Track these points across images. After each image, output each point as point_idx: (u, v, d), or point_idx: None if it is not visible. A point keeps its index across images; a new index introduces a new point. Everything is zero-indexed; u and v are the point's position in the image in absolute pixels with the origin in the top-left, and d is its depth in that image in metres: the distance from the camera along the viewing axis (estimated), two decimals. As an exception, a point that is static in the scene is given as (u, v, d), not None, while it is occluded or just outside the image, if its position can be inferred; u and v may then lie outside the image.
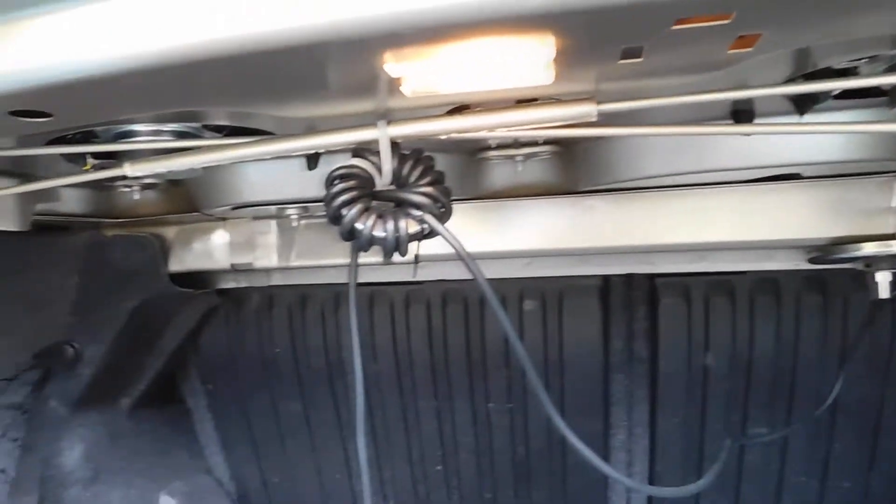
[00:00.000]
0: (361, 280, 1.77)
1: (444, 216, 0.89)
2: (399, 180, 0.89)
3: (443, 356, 1.82)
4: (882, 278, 1.35)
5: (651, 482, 1.82)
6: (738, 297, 1.61)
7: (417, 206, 0.87)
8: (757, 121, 1.12)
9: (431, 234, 0.90)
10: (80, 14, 0.66)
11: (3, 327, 1.68)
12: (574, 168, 1.34)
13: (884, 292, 1.35)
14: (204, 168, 1.19)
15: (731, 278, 1.61)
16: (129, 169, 0.92)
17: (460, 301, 1.76)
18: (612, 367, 1.76)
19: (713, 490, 1.77)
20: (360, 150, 0.88)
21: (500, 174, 1.36)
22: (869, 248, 1.30)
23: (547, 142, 1.24)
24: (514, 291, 1.72)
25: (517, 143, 1.24)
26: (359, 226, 0.85)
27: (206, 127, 1.00)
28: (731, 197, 1.34)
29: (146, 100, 0.82)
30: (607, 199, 1.37)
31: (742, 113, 1.10)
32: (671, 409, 1.74)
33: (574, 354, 1.73)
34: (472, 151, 1.29)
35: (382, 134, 0.82)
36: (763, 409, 1.67)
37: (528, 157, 1.28)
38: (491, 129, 0.83)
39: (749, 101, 1.07)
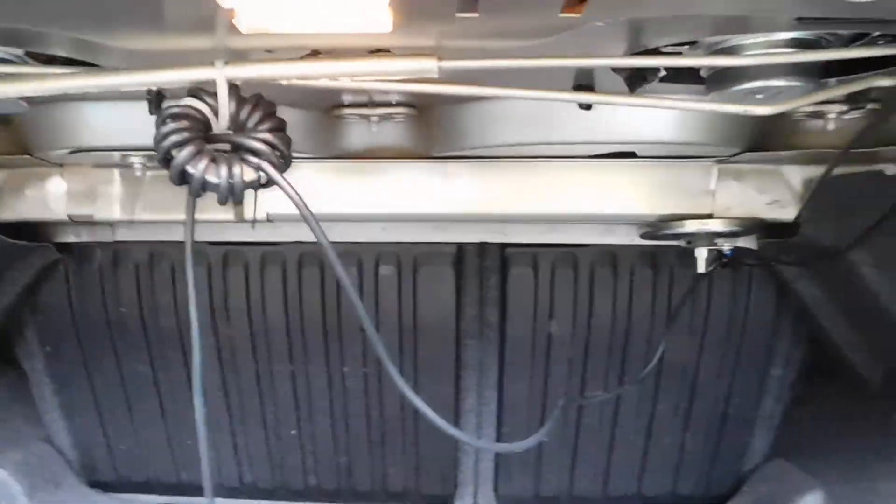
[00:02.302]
0: (215, 239, 1.73)
1: (283, 165, 0.89)
2: (237, 125, 0.87)
3: (298, 320, 1.81)
4: (700, 254, 1.48)
5: (499, 442, 1.92)
6: (581, 267, 1.71)
7: (254, 153, 0.85)
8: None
9: (269, 183, 0.89)
10: None
11: None
12: (429, 133, 1.36)
13: (701, 267, 1.48)
14: (35, 105, 1.10)
15: (575, 251, 1.71)
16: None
17: (317, 264, 1.75)
18: (464, 333, 1.82)
19: (555, 448, 1.89)
20: (198, 90, 0.85)
21: (355, 134, 1.36)
22: (690, 226, 1.43)
23: (401, 103, 1.25)
24: (371, 256, 1.73)
25: (372, 103, 1.24)
26: (190, 169, 0.82)
27: (31, 56, 0.93)
28: (576, 172, 1.42)
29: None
30: (462, 167, 1.41)
31: (584, 87, 1.17)
32: (518, 373, 1.84)
33: (428, 320, 1.78)
34: (327, 108, 1.28)
35: (219, 74, 0.80)
36: (600, 373, 1.80)
37: (383, 118, 1.28)
38: (331, 77, 0.83)
39: (589, 75, 1.13)
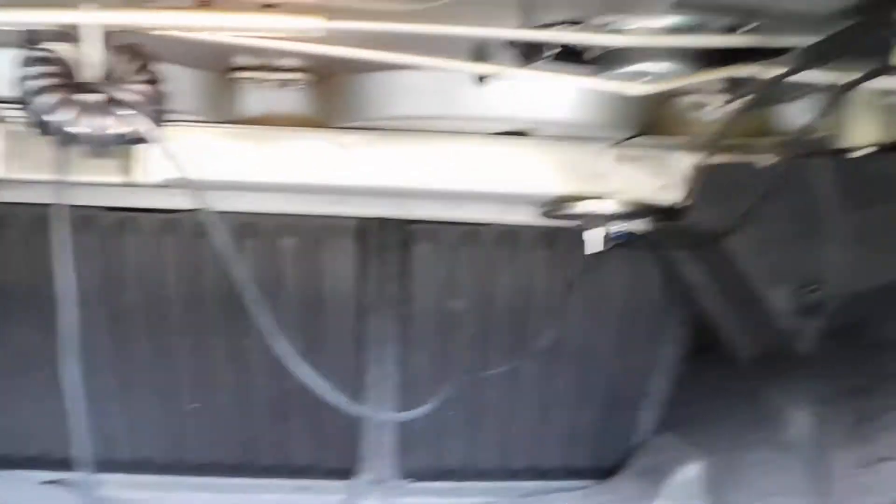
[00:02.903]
0: (109, 204, 1.67)
1: (158, 120, 0.86)
2: (110, 75, 0.84)
3: (199, 290, 1.77)
4: (594, 234, 1.53)
5: None
6: (483, 245, 1.74)
7: (128, 105, 0.83)
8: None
9: (144, 138, 0.86)
10: None
11: None
12: (329, 102, 1.35)
13: (595, 247, 1.54)
14: None
15: (478, 228, 1.73)
16: None
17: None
18: (366, 308, 1.82)
19: (457, 421, 1.92)
20: (67, 35, 0.82)
21: (251, 99, 1.34)
22: (585, 206, 1.47)
23: (298, 69, 1.24)
24: (271, 227, 1.71)
25: (268, 67, 1.23)
26: (56, 118, 0.79)
27: None
28: (475, 147, 1.44)
29: None
30: (362, 137, 1.40)
31: (480, 61, 1.18)
32: (421, 347, 1.85)
33: (330, 293, 1.77)
34: (221, 70, 1.26)
35: (87, 17, 0.77)
36: (500, 349, 1.84)
37: (280, 84, 1.27)
38: (213, 30, 0.82)
39: (486, 51, 1.14)
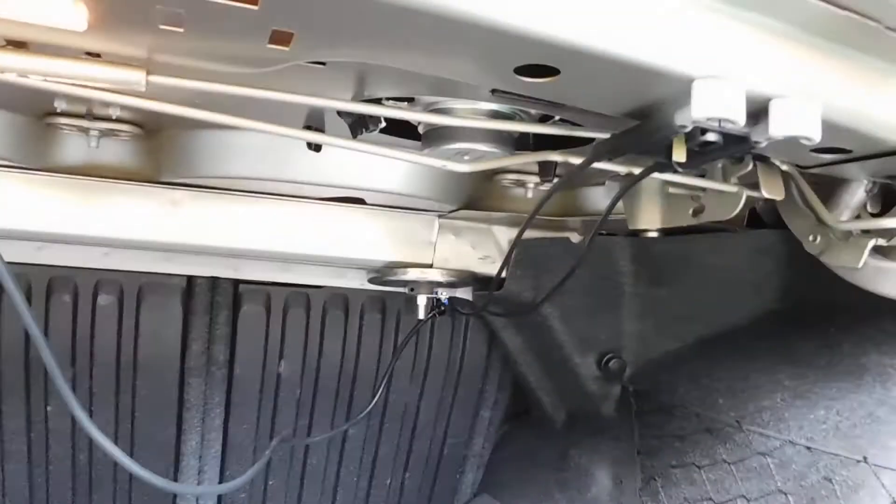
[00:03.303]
0: None
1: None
2: None
3: None
4: (421, 301, 1.60)
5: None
6: (313, 308, 1.75)
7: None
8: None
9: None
10: None
11: None
12: (158, 156, 1.32)
13: (421, 313, 1.60)
14: None
15: (308, 291, 1.74)
16: None
17: (22, 286, 1.58)
18: (188, 371, 1.75)
19: (280, 489, 1.86)
20: None
21: (72, 148, 1.28)
22: (412, 274, 1.54)
23: (124, 120, 1.21)
24: (90, 282, 1.61)
25: (90, 115, 1.18)
26: None
27: None
28: (308, 212, 1.46)
29: None
30: (193, 195, 1.38)
31: (314, 128, 1.22)
32: (245, 413, 1.80)
33: (151, 355, 1.68)
34: (38, 114, 1.19)
35: None
36: (327, 413, 1.83)
37: (104, 133, 1.22)
38: (20, 73, 0.79)
39: (320, 118, 1.18)
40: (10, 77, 0.78)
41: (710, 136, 0.83)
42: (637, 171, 1.09)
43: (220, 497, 1.89)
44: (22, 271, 1.57)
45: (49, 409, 1.69)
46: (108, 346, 1.65)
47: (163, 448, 1.76)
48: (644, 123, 0.95)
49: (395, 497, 1.94)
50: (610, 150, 1.06)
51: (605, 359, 1.65)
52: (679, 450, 1.48)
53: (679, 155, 0.91)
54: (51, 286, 1.59)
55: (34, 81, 0.80)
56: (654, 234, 1.38)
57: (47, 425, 1.70)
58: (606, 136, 1.07)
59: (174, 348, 1.70)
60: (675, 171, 0.95)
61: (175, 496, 1.84)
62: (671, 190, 1.30)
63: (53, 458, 1.72)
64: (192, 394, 1.78)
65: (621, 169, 1.16)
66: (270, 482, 1.86)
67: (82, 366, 1.66)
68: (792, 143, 0.83)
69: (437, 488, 1.98)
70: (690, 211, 1.23)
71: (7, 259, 1.55)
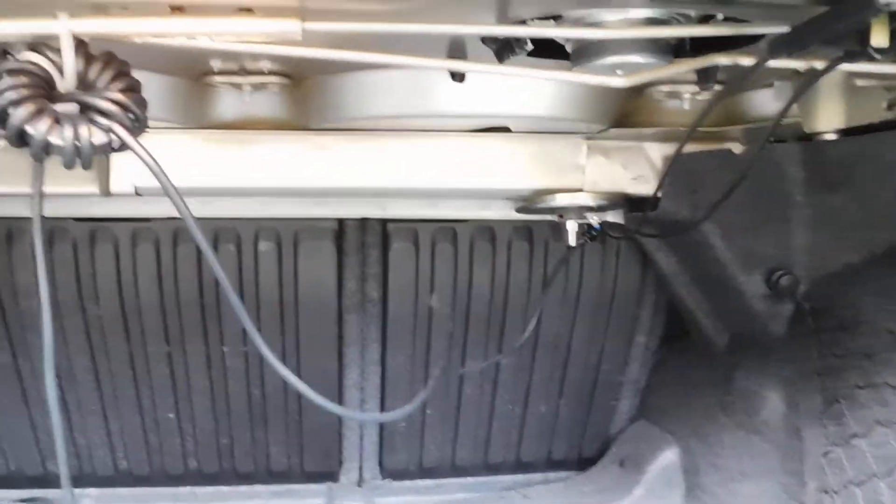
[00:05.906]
0: (81, 214, 1.63)
1: (137, 129, 0.85)
2: (86, 84, 0.82)
3: (174, 298, 1.74)
4: (570, 227, 1.55)
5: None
6: (460, 242, 1.75)
7: (104, 114, 0.81)
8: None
9: (122, 147, 0.84)
10: None
11: None
12: (305, 104, 1.34)
13: (571, 240, 1.55)
14: None
15: (454, 225, 1.74)
16: None
17: (191, 240, 1.69)
18: (345, 309, 1.82)
19: (437, 419, 1.93)
20: (40, 45, 0.80)
21: (226, 103, 1.32)
22: (561, 200, 1.49)
23: (274, 72, 1.22)
24: (249, 231, 1.69)
25: (243, 71, 1.21)
26: (30, 129, 0.77)
27: None
28: (453, 145, 1.44)
29: None
30: (339, 139, 1.40)
31: (457, 58, 1.18)
32: (400, 347, 1.86)
33: (309, 296, 1.76)
34: (196, 75, 1.24)
35: (63, 27, 0.75)
36: (479, 344, 1.85)
37: (255, 87, 1.25)
38: (189, 35, 0.81)
39: (462, 48, 1.14)
40: (179, 41, 0.80)
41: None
42: (820, 65, 0.98)
43: (381, 426, 1.98)
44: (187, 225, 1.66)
45: (225, 349, 1.83)
46: (271, 289, 1.74)
47: (326, 382, 1.86)
48: (835, 8, 0.83)
49: (551, 424, 1.96)
50: (790, 44, 0.95)
51: (775, 276, 1.53)
52: (867, 369, 1.36)
53: (880, 39, 0.80)
54: (217, 237, 1.68)
55: (200, 42, 0.81)
56: (831, 137, 1.25)
57: (224, 364, 1.84)
58: (778, 30, 0.96)
59: (331, 288, 1.77)
60: (871, 60, 0.84)
61: (341, 426, 1.95)
62: (859, 83, 1.16)
63: (232, 392, 1.87)
64: (351, 330, 1.85)
65: (799, 65, 1.04)
66: (428, 412, 1.93)
67: (249, 309, 1.77)
68: None
69: (592, 415, 1.98)
70: (884, 104, 1.09)
71: (174, 215, 1.66)
